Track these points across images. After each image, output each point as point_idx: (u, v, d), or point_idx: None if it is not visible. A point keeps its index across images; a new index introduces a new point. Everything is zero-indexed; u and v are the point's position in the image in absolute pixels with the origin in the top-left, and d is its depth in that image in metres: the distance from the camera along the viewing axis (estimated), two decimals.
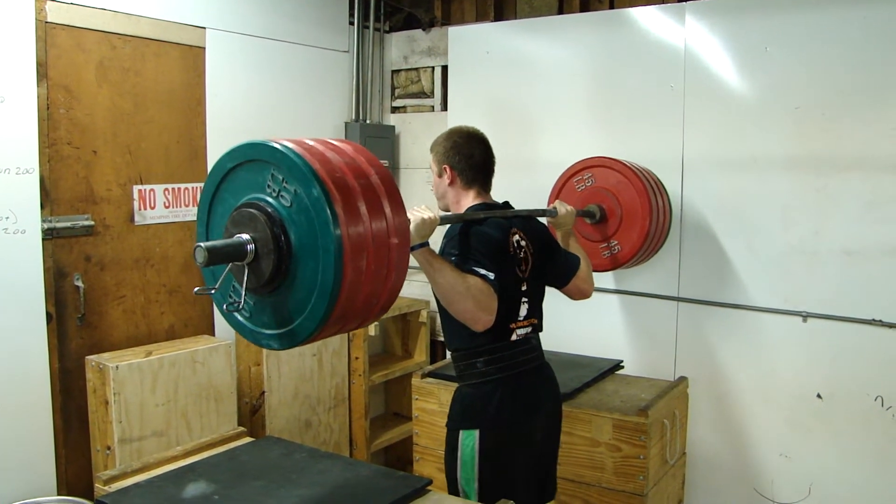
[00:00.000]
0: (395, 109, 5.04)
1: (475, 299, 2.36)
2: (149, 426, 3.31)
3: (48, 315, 3.25)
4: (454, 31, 4.61)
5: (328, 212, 1.70)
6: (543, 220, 3.02)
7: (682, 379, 3.60)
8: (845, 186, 3.40)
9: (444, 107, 4.77)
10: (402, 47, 4.97)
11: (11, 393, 3.13)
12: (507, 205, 2.81)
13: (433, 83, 4.88)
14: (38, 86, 3.17)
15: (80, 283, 3.36)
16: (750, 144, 3.62)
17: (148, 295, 3.67)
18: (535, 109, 4.24)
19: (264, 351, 3.89)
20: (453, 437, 2.65)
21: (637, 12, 3.94)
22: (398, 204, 1.90)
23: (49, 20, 3.21)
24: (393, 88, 5.05)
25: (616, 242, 3.54)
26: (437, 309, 2.68)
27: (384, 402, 4.99)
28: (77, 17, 3.31)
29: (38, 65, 3.17)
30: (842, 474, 3.48)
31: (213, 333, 3.94)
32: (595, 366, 3.63)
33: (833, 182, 3.43)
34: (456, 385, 2.75)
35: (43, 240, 3.21)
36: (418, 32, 4.89)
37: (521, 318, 2.68)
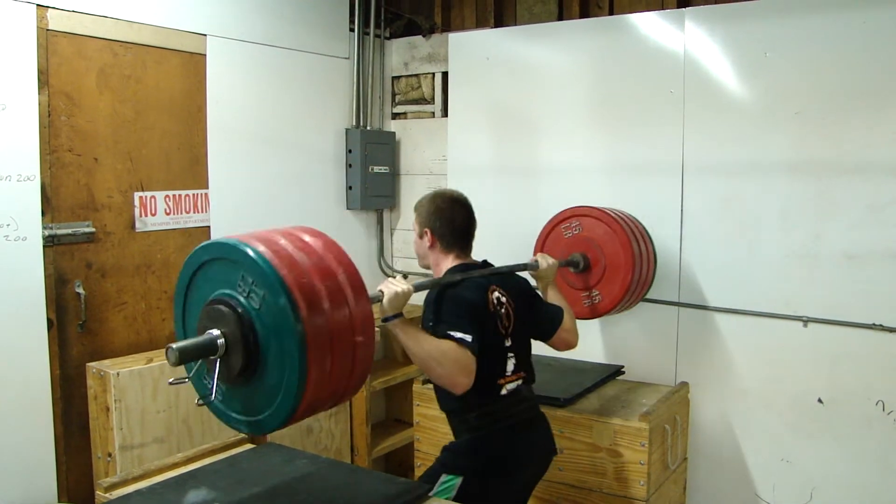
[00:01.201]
0: (395, 116, 5.05)
1: (451, 365, 2.40)
2: (150, 433, 3.31)
3: (49, 322, 3.25)
4: (454, 38, 4.62)
5: (293, 320, 1.79)
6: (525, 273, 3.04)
7: (683, 384, 3.61)
8: (846, 190, 3.41)
9: (445, 113, 4.77)
10: (402, 54, 4.98)
11: (12, 399, 3.13)
12: (486, 263, 2.84)
13: (433, 89, 4.89)
14: (39, 93, 3.18)
15: (80, 290, 3.37)
16: (750, 149, 3.62)
17: (149, 301, 3.67)
18: (535, 115, 4.25)
19: None
20: (433, 475, 2.66)
21: (637, 18, 3.94)
22: (364, 300, 1.98)
23: (50, 28, 3.22)
24: (393, 95, 5.06)
25: (598, 293, 3.54)
26: None
27: (385, 408, 4.98)
28: (78, 24, 3.32)
29: (40, 72, 3.18)
30: (843, 479, 3.48)
31: None
32: (596, 371, 3.63)
33: (833, 186, 3.43)
34: None
35: (44, 247, 3.22)
36: (419, 39, 4.90)
37: (509, 374, 2.69)
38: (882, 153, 3.31)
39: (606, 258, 3.50)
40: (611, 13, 4.21)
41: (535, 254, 3.37)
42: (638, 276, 3.52)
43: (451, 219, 2.77)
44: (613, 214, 3.55)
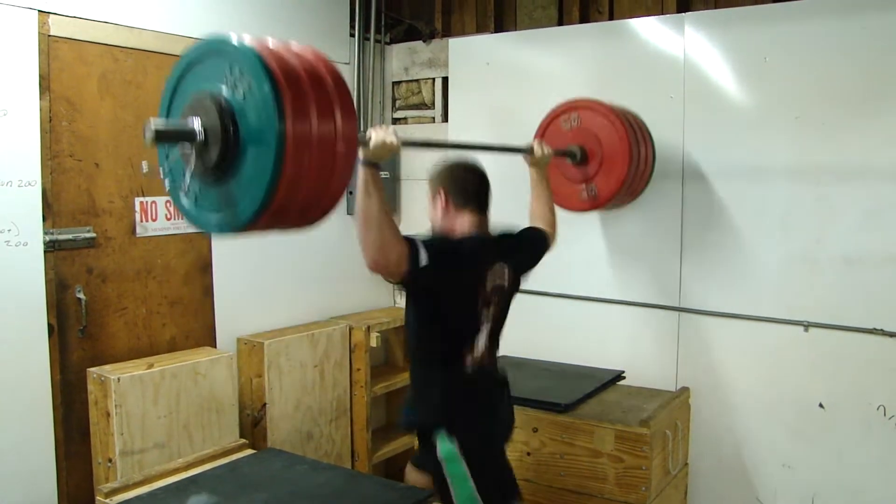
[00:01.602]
0: (395, 121, 5.06)
1: (378, 239, 2.29)
2: (150, 438, 3.31)
3: (50, 327, 3.25)
4: (455, 43, 4.63)
5: (275, 106, 1.76)
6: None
7: (684, 389, 3.60)
8: (846, 195, 3.41)
9: (445, 118, 4.78)
10: (402, 59, 4.99)
11: (12, 405, 3.13)
12: (505, 236, 2.84)
13: (434, 94, 4.89)
14: (40, 99, 3.19)
15: (81, 296, 3.37)
16: (750, 153, 3.63)
17: (149, 307, 3.67)
18: (536, 120, 4.23)
19: (266, 363, 3.90)
20: (426, 445, 2.64)
21: (636, 23, 3.95)
22: (350, 114, 1.94)
23: (52, 34, 3.22)
24: (394, 100, 5.07)
25: (594, 186, 3.54)
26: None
27: (386, 413, 4.97)
28: (79, 30, 3.32)
29: (41, 78, 3.19)
30: (845, 484, 3.47)
31: (214, 345, 3.94)
32: (596, 376, 3.63)
33: (833, 191, 3.44)
34: None
35: (45, 252, 3.22)
36: (419, 44, 4.91)
37: (478, 353, 2.67)
38: (881, 158, 3.32)
39: (604, 150, 3.49)
40: (611, 18, 4.22)
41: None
42: (634, 171, 3.52)
43: (465, 178, 2.73)
44: (612, 107, 3.54)
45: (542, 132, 3.66)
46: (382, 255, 2.29)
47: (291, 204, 1.88)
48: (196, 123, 1.87)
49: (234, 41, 1.86)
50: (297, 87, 1.82)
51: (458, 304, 2.58)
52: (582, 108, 3.57)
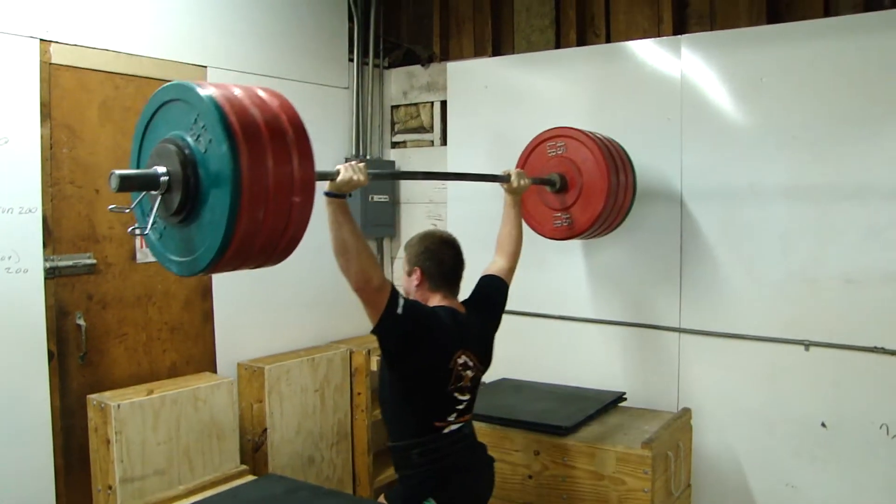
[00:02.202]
0: (394, 144, 5.08)
1: (361, 262, 2.41)
2: (150, 465, 3.29)
3: (50, 354, 3.25)
4: (453, 67, 4.66)
5: (231, 166, 1.85)
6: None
7: (686, 410, 3.59)
8: (844, 214, 3.42)
9: (444, 141, 4.80)
10: (401, 83, 5.02)
11: (12, 432, 3.12)
12: (469, 302, 2.90)
13: (432, 118, 4.92)
14: (41, 126, 3.21)
15: (81, 322, 3.37)
16: (748, 173, 3.64)
17: (150, 332, 3.67)
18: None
19: (266, 388, 3.89)
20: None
21: (633, 45, 3.98)
22: (308, 163, 2.03)
23: (53, 61, 3.25)
24: (393, 124, 5.09)
25: (569, 216, 3.54)
26: None
27: (386, 437, 4.95)
28: (81, 58, 3.35)
29: (42, 105, 3.21)
30: (849, 503, 3.46)
31: (215, 371, 3.93)
32: (598, 398, 3.62)
33: (832, 210, 3.45)
34: None
35: (45, 279, 3.22)
36: (417, 68, 4.94)
37: (451, 419, 2.72)
38: (879, 177, 3.33)
39: (584, 182, 3.49)
40: (608, 41, 4.25)
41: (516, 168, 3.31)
42: (612, 205, 3.52)
43: (441, 260, 2.79)
44: (598, 140, 3.53)
45: (526, 157, 3.67)
46: (364, 279, 2.42)
47: (249, 249, 1.98)
48: (160, 171, 1.97)
49: (200, 92, 1.93)
50: (256, 142, 1.91)
51: (429, 365, 2.62)
52: (567, 136, 3.57)
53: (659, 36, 4.02)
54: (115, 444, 3.17)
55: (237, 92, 1.98)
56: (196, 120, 1.92)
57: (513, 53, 4.61)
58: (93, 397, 3.30)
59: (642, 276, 3.97)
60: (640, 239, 3.93)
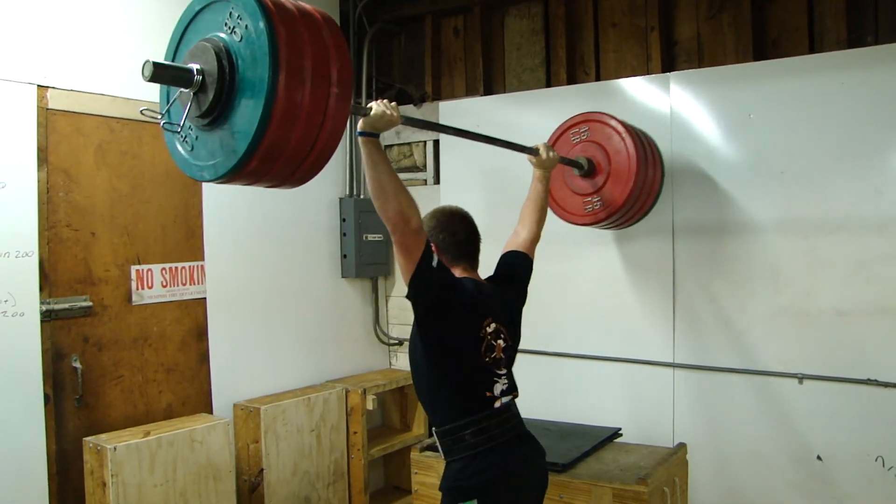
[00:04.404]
0: None
1: (399, 204, 2.34)
2: None
3: (46, 397, 3.25)
4: (445, 106, 4.71)
5: (269, 42, 1.82)
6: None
7: (682, 445, 3.59)
8: (833, 248, 3.45)
9: (437, 180, 4.84)
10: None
11: (7, 475, 3.11)
12: (492, 278, 2.84)
13: (425, 157, 4.96)
14: (38, 170, 3.24)
15: (77, 365, 3.38)
16: (738, 208, 3.68)
17: (146, 374, 3.68)
18: (526, 180, 4.28)
19: (262, 428, 3.89)
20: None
21: (623, 83, 4.04)
22: (346, 63, 2.00)
23: (50, 107, 3.29)
24: None
25: (598, 199, 3.55)
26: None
27: (384, 475, 4.94)
28: (77, 103, 3.39)
29: (39, 150, 3.25)
30: None
31: (211, 412, 3.93)
32: (593, 434, 3.61)
33: (821, 244, 3.48)
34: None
35: (41, 322, 3.24)
36: (409, 108, 4.99)
37: (498, 393, 2.61)
38: (866, 210, 3.37)
39: (611, 166, 3.51)
40: (597, 79, 4.31)
41: None
42: (641, 187, 3.52)
43: (454, 231, 2.75)
44: (626, 125, 3.55)
45: (554, 142, 3.68)
46: (402, 219, 2.35)
47: (282, 146, 1.92)
48: (194, 67, 1.94)
49: None
50: (292, 26, 1.89)
51: (460, 330, 2.55)
52: (594, 121, 3.61)
53: (648, 73, 4.08)
54: (111, 487, 3.16)
55: None
56: (231, 13, 1.91)
57: (504, 92, 4.67)
58: (89, 440, 3.30)
59: (635, 312, 3.99)
60: (632, 274, 3.96)
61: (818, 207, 3.48)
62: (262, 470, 3.90)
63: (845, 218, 3.43)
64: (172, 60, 2.10)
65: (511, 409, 2.65)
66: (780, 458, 3.60)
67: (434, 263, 2.43)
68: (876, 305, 3.35)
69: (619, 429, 3.72)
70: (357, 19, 4.90)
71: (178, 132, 2.06)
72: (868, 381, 3.37)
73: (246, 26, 1.87)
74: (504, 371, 2.65)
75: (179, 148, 2.11)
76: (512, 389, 2.68)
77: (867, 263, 3.37)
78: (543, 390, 4.21)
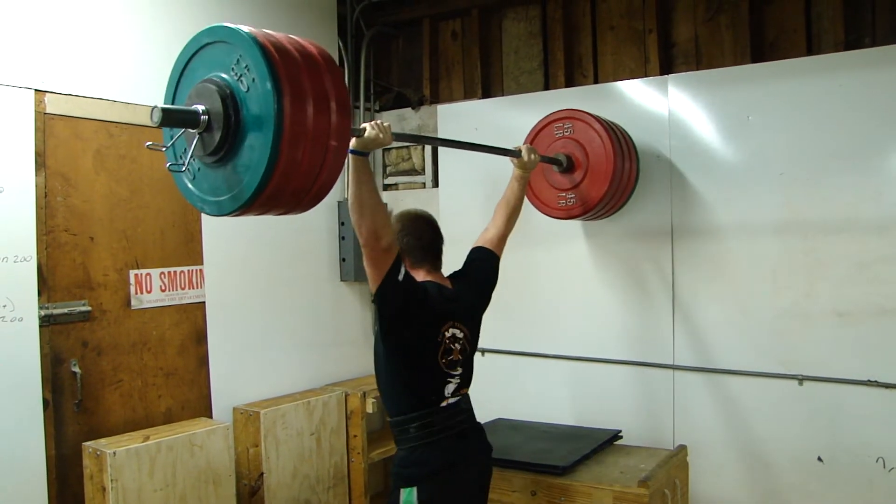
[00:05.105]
0: (387, 187, 5.11)
1: (371, 220, 2.45)
2: None
3: (45, 402, 3.24)
4: (443, 109, 4.71)
5: (276, 106, 1.90)
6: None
7: (682, 447, 3.59)
8: (833, 249, 3.45)
9: (436, 183, 4.84)
10: (392, 126, 5.04)
11: (6, 481, 3.10)
12: (454, 277, 2.95)
13: (424, 160, 4.96)
14: (36, 175, 3.23)
15: (76, 369, 3.37)
16: (738, 209, 3.68)
17: (145, 378, 3.67)
18: None
19: (262, 432, 3.88)
20: (395, 496, 2.71)
21: (621, 85, 4.04)
22: (345, 112, 2.09)
23: (48, 111, 3.29)
24: (384, 166, 5.13)
25: (573, 195, 3.64)
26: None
27: (384, 479, 4.93)
28: (75, 107, 3.39)
29: (37, 155, 3.24)
30: None
31: (210, 416, 3.92)
32: (593, 437, 3.61)
33: (821, 245, 3.48)
34: None
35: (40, 327, 3.23)
36: (408, 111, 5.00)
37: (448, 395, 2.75)
38: (865, 211, 3.37)
39: (590, 164, 3.58)
40: (595, 82, 4.32)
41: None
42: (615, 189, 3.61)
43: (419, 235, 2.86)
44: (606, 124, 3.62)
45: (534, 136, 3.76)
46: (374, 237, 2.46)
47: (284, 190, 2.02)
48: (200, 109, 2.00)
49: (250, 36, 1.96)
50: (298, 83, 1.96)
51: (419, 337, 2.68)
52: (576, 119, 3.66)
53: (646, 76, 4.09)
54: (111, 492, 3.16)
55: (277, 35, 2.03)
56: (238, 60, 1.96)
57: (502, 95, 4.68)
58: (88, 445, 3.30)
59: (635, 314, 3.98)
60: (631, 276, 3.95)
61: (818, 208, 3.48)
62: (262, 474, 3.89)
63: (845, 219, 3.42)
64: (176, 86, 2.16)
65: (459, 405, 2.81)
66: (781, 459, 3.59)
67: (400, 277, 2.55)
68: (876, 306, 3.35)
69: (620, 431, 3.72)
70: (355, 22, 4.89)
71: (183, 171, 2.13)
72: (868, 382, 3.37)
73: (253, 79, 1.94)
74: (459, 371, 2.80)
75: (184, 179, 2.18)
76: (464, 385, 2.83)
77: (867, 264, 3.37)
78: (543, 393, 4.21)
